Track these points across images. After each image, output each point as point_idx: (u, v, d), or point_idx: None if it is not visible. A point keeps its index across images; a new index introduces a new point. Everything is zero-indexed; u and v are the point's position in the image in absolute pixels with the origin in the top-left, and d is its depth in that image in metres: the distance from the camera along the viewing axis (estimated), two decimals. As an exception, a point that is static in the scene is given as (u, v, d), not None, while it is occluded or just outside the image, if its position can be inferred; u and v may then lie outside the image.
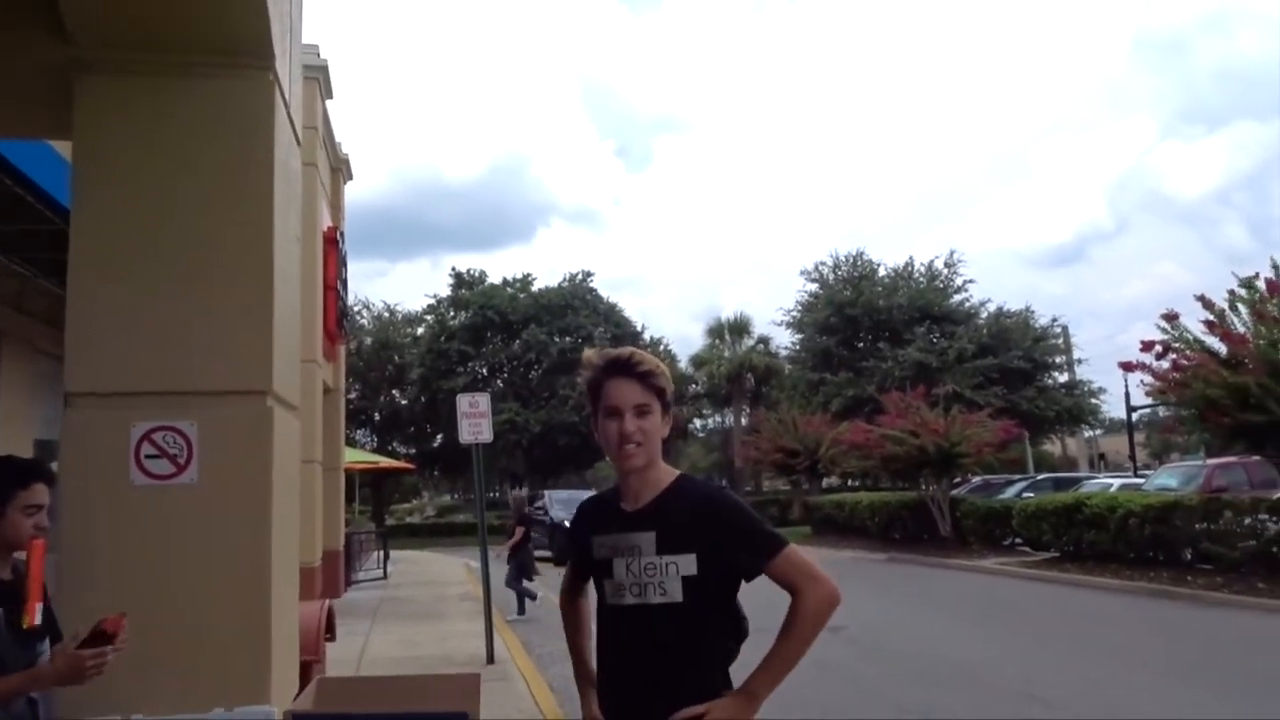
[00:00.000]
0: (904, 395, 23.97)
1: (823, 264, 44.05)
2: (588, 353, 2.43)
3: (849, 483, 35.78)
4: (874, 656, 9.59)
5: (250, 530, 3.50)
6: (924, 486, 22.62)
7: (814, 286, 43.75)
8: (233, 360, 3.57)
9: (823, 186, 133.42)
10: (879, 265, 43.58)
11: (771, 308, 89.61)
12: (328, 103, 14.21)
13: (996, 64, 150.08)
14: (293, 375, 4.15)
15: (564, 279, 44.55)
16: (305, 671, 4.89)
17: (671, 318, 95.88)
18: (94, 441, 3.44)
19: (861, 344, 41.49)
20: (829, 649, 10.12)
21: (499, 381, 41.66)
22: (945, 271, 42.13)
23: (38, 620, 2.64)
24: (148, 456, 3.41)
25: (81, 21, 3.57)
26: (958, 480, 25.34)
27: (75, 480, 3.45)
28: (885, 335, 40.46)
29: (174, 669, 3.34)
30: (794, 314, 44.13)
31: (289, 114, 4.09)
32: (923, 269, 42.60)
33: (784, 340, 45.98)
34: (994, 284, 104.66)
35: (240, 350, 3.59)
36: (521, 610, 13.49)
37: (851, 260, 43.70)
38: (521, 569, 13.88)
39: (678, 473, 2.39)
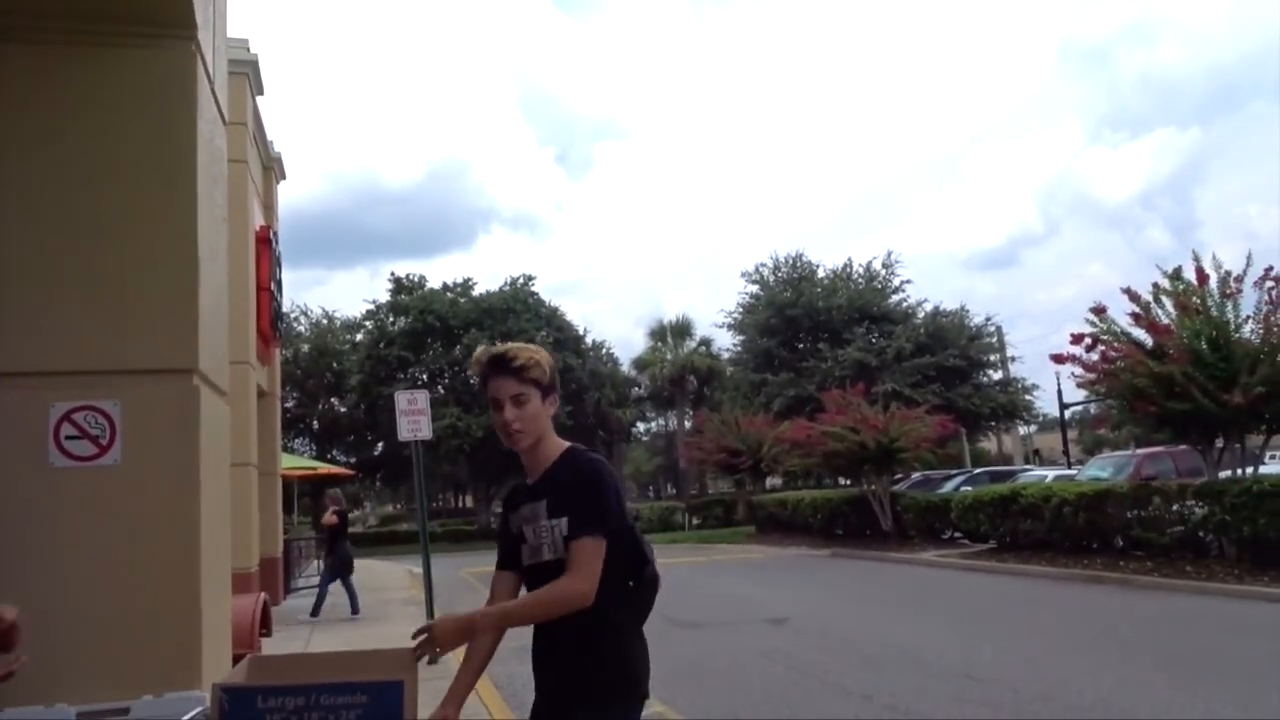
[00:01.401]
0: (844, 393, 24.23)
1: (763, 266, 44.44)
2: (477, 351, 2.67)
3: (796, 483, 36.08)
4: (818, 645, 9.66)
5: (178, 513, 3.41)
6: (865, 483, 22.90)
7: (754, 288, 44.08)
8: (157, 338, 3.48)
9: (762, 190, 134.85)
10: (818, 266, 44.08)
11: (713, 310, 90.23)
12: (258, 99, 13.94)
13: (928, 71, 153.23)
14: (221, 358, 4.05)
15: (505, 283, 44.29)
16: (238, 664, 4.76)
17: (614, 321, 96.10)
18: (11, 422, 3.32)
19: (802, 344, 41.89)
20: (773, 638, 10.19)
21: (440, 387, 41.18)
22: (883, 272, 42.78)
23: None
24: (68, 437, 3.30)
25: (-7, -11, 3.46)
26: (898, 476, 25.70)
27: (-9, 463, 3.32)
28: (825, 335, 40.90)
29: (99, 656, 3.24)
30: (735, 316, 44.41)
31: (213, 89, 3.99)
32: (861, 270, 43.20)
33: (726, 342, 46.32)
34: (930, 285, 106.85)
35: (164, 328, 3.50)
36: (316, 612, 13.06)
37: (791, 262, 44.14)
38: (341, 566, 13.54)
39: (566, 445, 2.65)
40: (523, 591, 2.65)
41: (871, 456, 21.61)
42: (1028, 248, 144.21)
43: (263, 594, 6.02)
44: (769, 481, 35.30)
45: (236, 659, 4.66)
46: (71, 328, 3.39)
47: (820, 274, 43.56)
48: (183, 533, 3.41)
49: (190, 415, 3.49)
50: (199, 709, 2.87)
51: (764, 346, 41.97)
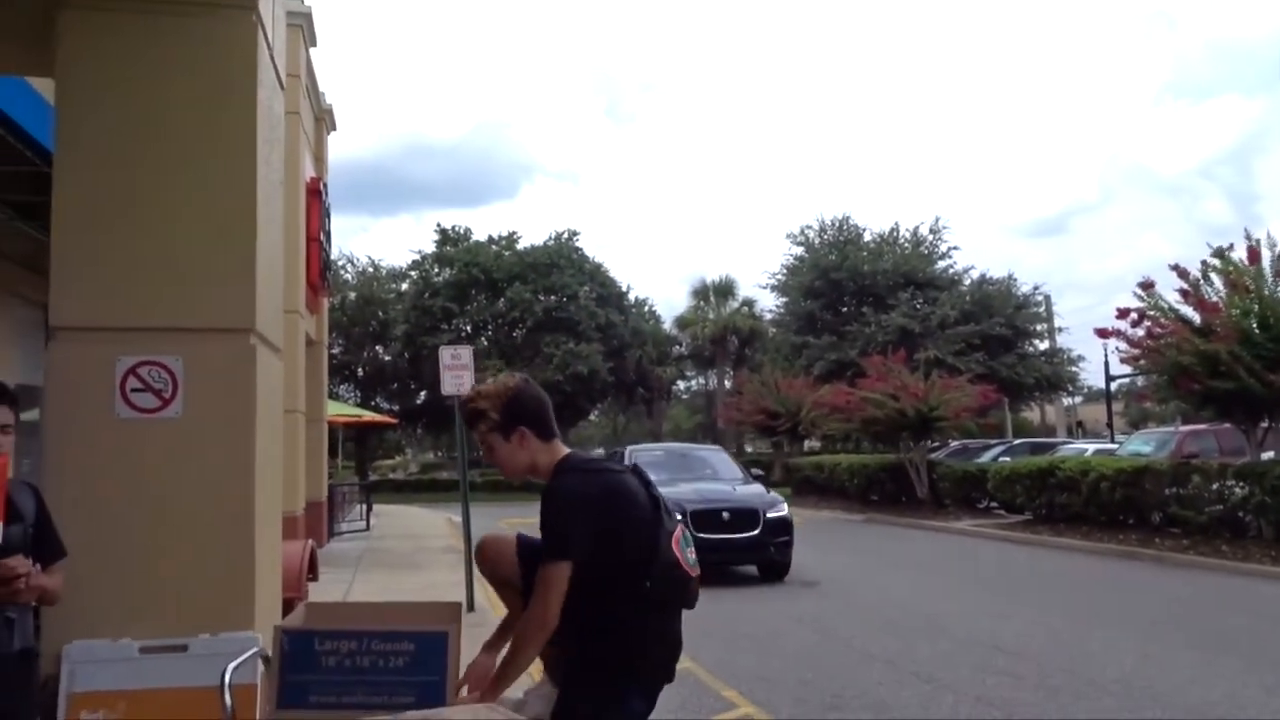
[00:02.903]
0: (885, 359, 24.15)
1: (809, 228, 44.05)
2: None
3: (834, 447, 36.10)
4: (845, 610, 9.82)
5: (234, 463, 3.59)
6: (903, 449, 22.89)
7: (799, 250, 43.77)
8: (217, 298, 3.65)
9: (809, 152, 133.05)
10: (864, 230, 43.60)
11: (756, 271, 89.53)
12: (311, 51, 14.08)
13: (987, 32, 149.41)
14: (276, 317, 4.22)
15: (549, 237, 44.38)
16: (288, 607, 5.00)
17: (657, 278, 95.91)
18: (79, 374, 3.52)
19: (845, 308, 41.59)
20: (803, 601, 10.36)
21: (483, 339, 41.60)
22: (930, 238, 42.24)
23: None
24: (133, 390, 3.49)
25: (64, -44, 3.59)
26: (936, 444, 25.62)
27: (60, 412, 3.53)
28: (869, 300, 40.56)
29: (161, 596, 3.45)
30: (779, 277, 44.16)
31: (272, 56, 4.12)
32: (908, 235, 42.67)
33: (768, 303, 46.12)
34: (978, 252, 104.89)
35: (224, 289, 3.66)
36: None
37: (837, 225, 43.71)
38: None
39: (555, 464, 2.70)
40: None
41: (910, 424, 21.58)
42: (1080, 215, 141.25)
43: (310, 540, 6.28)
44: (806, 444, 35.36)
45: (286, 602, 4.91)
46: (137, 286, 3.57)
47: (866, 238, 43.12)
48: (239, 483, 3.60)
49: (247, 371, 3.66)
50: (253, 649, 3.07)
51: (807, 309, 41.74)
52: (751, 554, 11.97)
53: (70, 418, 3.51)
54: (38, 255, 9.57)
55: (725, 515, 11.71)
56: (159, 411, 3.51)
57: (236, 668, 2.61)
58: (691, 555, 2.70)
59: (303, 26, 13.14)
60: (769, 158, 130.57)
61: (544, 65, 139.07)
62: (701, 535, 10.68)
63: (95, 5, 3.70)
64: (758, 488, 13.20)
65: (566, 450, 2.76)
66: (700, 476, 13.36)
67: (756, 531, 11.73)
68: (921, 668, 7.10)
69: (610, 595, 2.54)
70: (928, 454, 22.97)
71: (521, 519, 20.09)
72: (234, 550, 3.57)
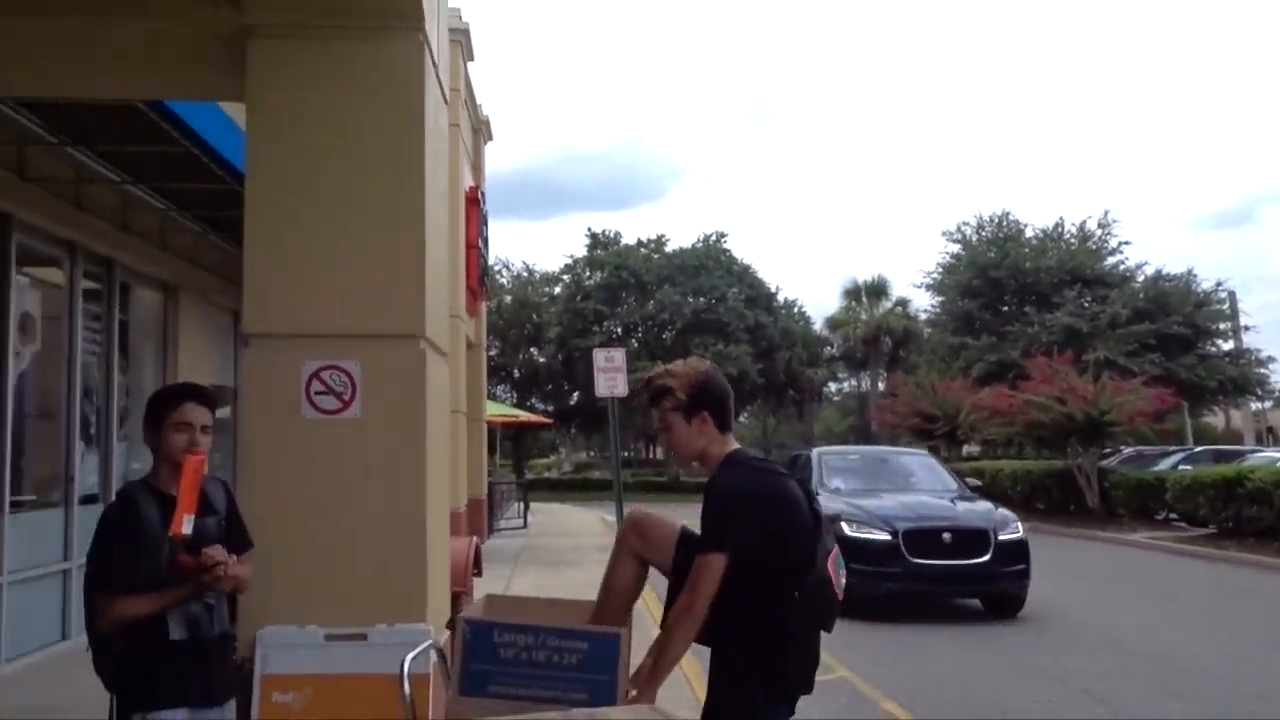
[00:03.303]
0: (1050, 361, 23.09)
1: (965, 224, 42.47)
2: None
3: (995, 452, 34.71)
4: (1010, 620, 9.43)
5: (408, 462, 3.78)
6: (1070, 456, 21.79)
7: (956, 248, 42.26)
8: (391, 306, 3.84)
9: (966, 144, 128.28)
10: (1026, 226, 41.70)
11: (910, 270, 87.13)
12: (469, 65, 14.62)
13: (1157, 10, 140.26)
14: (442, 323, 4.41)
15: (698, 239, 44.54)
16: (455, 601, 5.22)
17: (807, 279, 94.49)
18: (269, 378, 3.78)
19: (1006, 307, 39.93)
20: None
21: (634, 341, 42.08)
22: (1098, 232, 39.96)
23: (185, 531, 2.82)
24: (317, 393, 3.72)
25: (253, -10, 3.86)
26: (1107, 450, 24.28)
27: (253, 413, 3.80)
28: (1032, 299, 38.79)
29: (342, 587, 3.66)
30: (934, 276, 42.75)
31: (437, 73, 4.30)
32: (1074, 230, 40.56)
33: (923, 303, 44.77)
34: (1151, 247, 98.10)
35: (397, 297, 3.85)
36: None
37: (996, 220, 41.97)
38: None
39: (725, 456, 2.71)
40: None
41: (1078, 429, 20.51)
42: (1269, 204, 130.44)
43: (474, 536, 6.53)
44: (965, 449, 34.11)
45: (453, 595, 5.13)
46: (321, 296, 3.81)
47: (1028, 233, 41.25)
48: (412, 480, 3.79)
49: (418, 375, 3.85)
50: (429, 641, 3.22)
51: (964, 308, 40.28)
52: (980, 585, 9.97)
53: (262, 418, 3.78)
54: (225, 264, 10.37)
55: (947, 537, 9.70)
56: (340, 413, 3.72)
57: (414, 658, 2.74)
58: (843, 579, 2.69)
59: (461, 42, 13.68)
60: (922, 153, 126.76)
61: (690, 67, 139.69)
62: (917, 561, 9.43)
63: (280, 35, 3.96)
64: (984, 504, 11.03)
65: (736, 445, 2.77)
66: (906, 487, 11.40)
67: (986, 558, 9.64)
68: (1094, 685, 6.74)
69: (764, 598, 2.54)
70: (1098, 461, 21.79)
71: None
72: (408, 545, 3.74)
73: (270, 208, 3.87)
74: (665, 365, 2.86)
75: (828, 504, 9.97)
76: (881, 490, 10.85)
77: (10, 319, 6.87)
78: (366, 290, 3.81)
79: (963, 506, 10.58)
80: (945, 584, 9.87)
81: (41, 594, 7.22)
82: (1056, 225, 40.98)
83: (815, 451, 12.82)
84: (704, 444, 2.72)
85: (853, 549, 8.89)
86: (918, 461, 12.69)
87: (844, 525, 9.40)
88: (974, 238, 42.00)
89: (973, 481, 12.51)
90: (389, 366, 3.81)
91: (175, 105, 5.75)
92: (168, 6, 4.06)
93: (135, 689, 2.91)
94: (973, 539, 9.73)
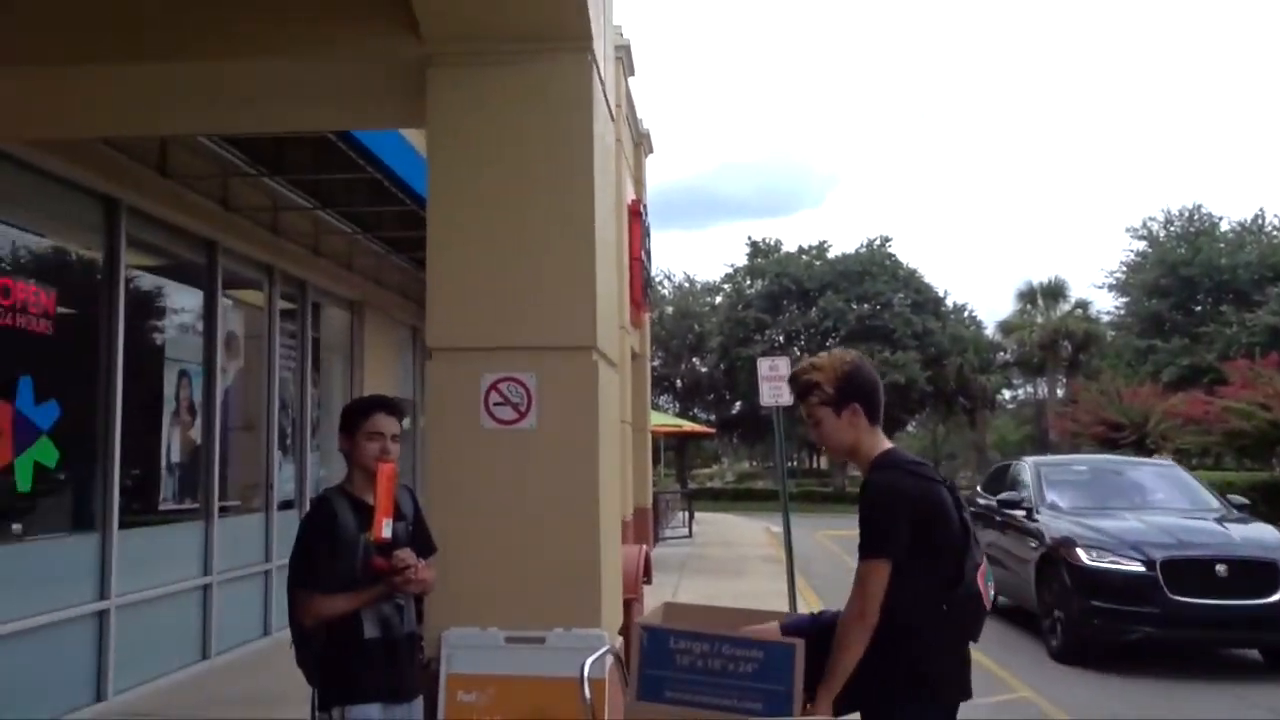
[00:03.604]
0: (1252, 364, 21.37)
1: (1152, 220, 40.16)
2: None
3: (1189, 462, 32.39)
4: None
5: (582, 471, 3.88)
6: (1277, 467, 20.06)
7: (1141, 245, 39.96)
8: (564, 320, 3.96)
9: (1147, 136, 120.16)
10: (1220, 220, 38.89)
11: (1090, 270, 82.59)
12: (629, 80, 14.88)
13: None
14: (612, 335, 4.50)
15: (860, 245, 43.67)
16: (626, 608, 5.30)
17: (977, 283, 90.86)
18: (452, 390, 3.96)
19: (1199, 307, 37.30)
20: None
21: (796, 349, 41.55)
22: (1305, 223, 36.81)
23: (385, 534, 3.00)
24: (495, 404, 3.87)
25: (433, 21, 4.06)
26: (1322, 460, 22.25)
27: (437, 423, 4.00)
28: (1228, 297, 36.09)
29: (520, 591, 3.79)
30: (1118, 275, 40.61)
31: (604, 91, 4.41)
32: (1276, 221, 37.52)
33: (1106, 304, 42.37)
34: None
35: (570, 311, 3.97)
36: None
37: (1187, 215, 39.37)
38: None
39: (878, 455, 2.64)
40: None
41: (1287, 437, 18.87)
42: None
43: (644, 545, 6.63)
44: (1154, 458, 31.95)
45: (624, 602, 5.20)
46: (498, 311, 3.97)
47: (1224, 228, 38.39)
48: (585, 488, 3.89)
49: (590, 386, 3.95)
50: (606, 647, 3.28)
51: (1152, 309, 37.90)
52: (1266, 633, 7.80)
53: (445, 428, 3.96)
54: (406, 283, 10.94)
55: (1221, 570, 7.69)
56: (516, 423, 3.86)
57: (593, 662, 2.81)
58: (992, 591, 2.61)
59: (622, 58, 13.94)
60: (1098, 147, 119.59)
61: (848, 71, 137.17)
62: (1179, 599, 7.50)
63: (458, 62, 4.15)
64: (1263, 527, 8.72)
65: (890, 444, 2.70)
66: (1153, 505, 9.41)
67: (1276, 597, 7.58)
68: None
69: (911, 611, 2.48)
70: (1312, 472, 19.96)
71: (837, 530, 19.85)
72: (582, 551, 3.84)
73: (451, 227, 4.06)
74: (810, 359, 2.77)
75: (1052, 525, 8.73)
76: (1120, 509, 9.04)
77: (218, 339, 7.48)
78: (541, 304, 3.94)
79: (1236, 530, 8.45)
80: (1218, 629, 7.83)
81: (246, 593, 7.80)
82: (1256, 217, 38.15)
83: (1029, 461, 10.78)
84: (854, 437, 2.65)
85: (1091, 582, 7.74)
86: (1161, 473, 10.46)
87: (1080, 552, 7.97)
88: (1161, 234, 39.54)
89: (1237, 499, 9.85)
90: (563, 378, 3.92)
91: (360, 134, 6.12)
92: (353, 43, 4.33)
93: (335, 684, 3.09)
94: (1256, 572, 7.72)
